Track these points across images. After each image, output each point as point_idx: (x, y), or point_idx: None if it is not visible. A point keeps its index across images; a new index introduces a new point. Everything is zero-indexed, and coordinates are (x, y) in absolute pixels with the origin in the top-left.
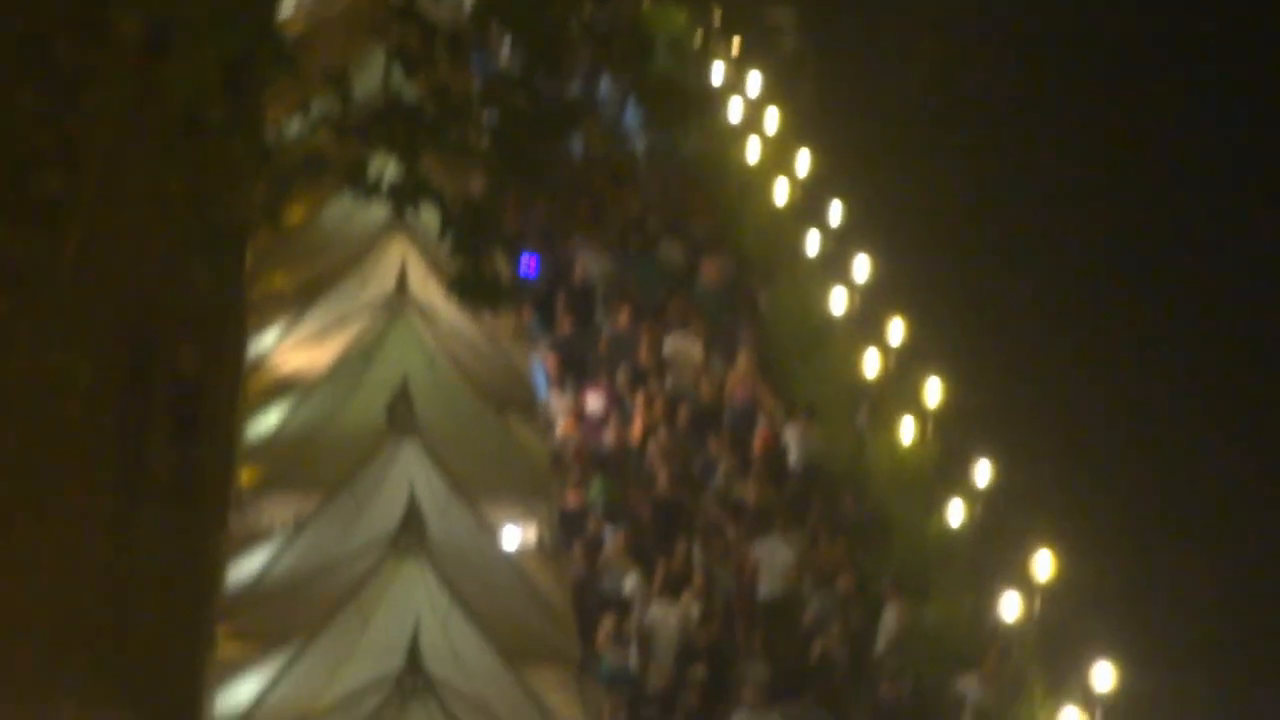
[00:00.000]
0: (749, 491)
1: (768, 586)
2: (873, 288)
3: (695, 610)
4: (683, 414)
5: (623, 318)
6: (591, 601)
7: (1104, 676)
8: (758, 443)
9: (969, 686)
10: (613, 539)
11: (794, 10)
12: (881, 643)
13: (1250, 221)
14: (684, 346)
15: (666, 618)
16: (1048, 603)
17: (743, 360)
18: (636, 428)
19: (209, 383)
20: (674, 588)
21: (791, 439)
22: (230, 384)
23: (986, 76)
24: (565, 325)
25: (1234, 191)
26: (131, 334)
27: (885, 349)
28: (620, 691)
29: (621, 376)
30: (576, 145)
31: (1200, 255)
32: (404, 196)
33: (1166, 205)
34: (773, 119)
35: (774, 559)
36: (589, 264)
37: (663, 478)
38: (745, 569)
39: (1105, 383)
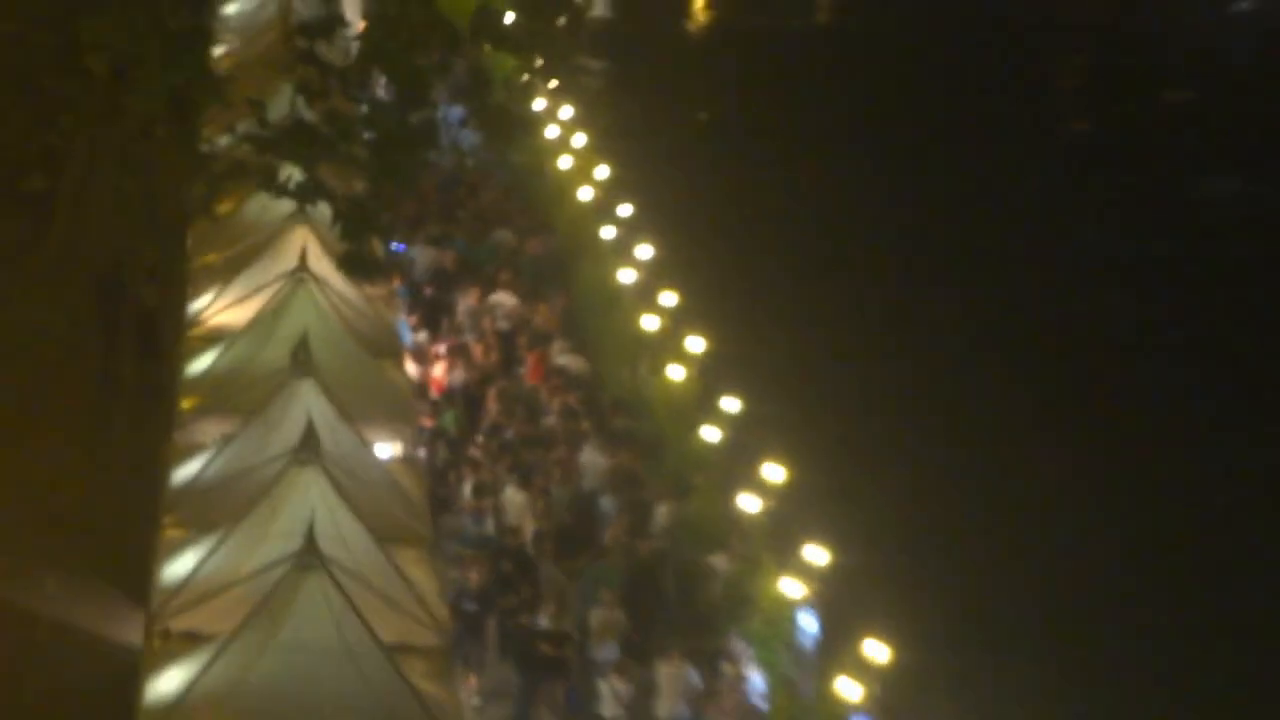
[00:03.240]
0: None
1: (587, 484)
2: (653, 266)
3: (540, 503)
4: (520, 346)
5: (473, 291)
6: (440, 496)
7: (818, 555)
8: (532, 366)
9: (719, 561)
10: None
11: (595, 58)
12: (655, 527)
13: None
14: (508, 299)
15: (515, 496)
16: (777, 501)
17: (543, 309)
18: (482, 366)
19: (162, 326)
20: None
21: (570, 364)
22: (176, 332)
23: (739, 109)
24: (424, 292)
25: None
26: (103, 288)
27: (662, 312)
28: (481, 551)
29: (469, 332)
30: (443, 158)
31: (912, 223)
32: (305, 195)
33: (870, 192)
34: (579, 139)
35: (592, 464)
36: (437, 254)
37: (494, 410)
38: (571, 471)
39: (832, 338)
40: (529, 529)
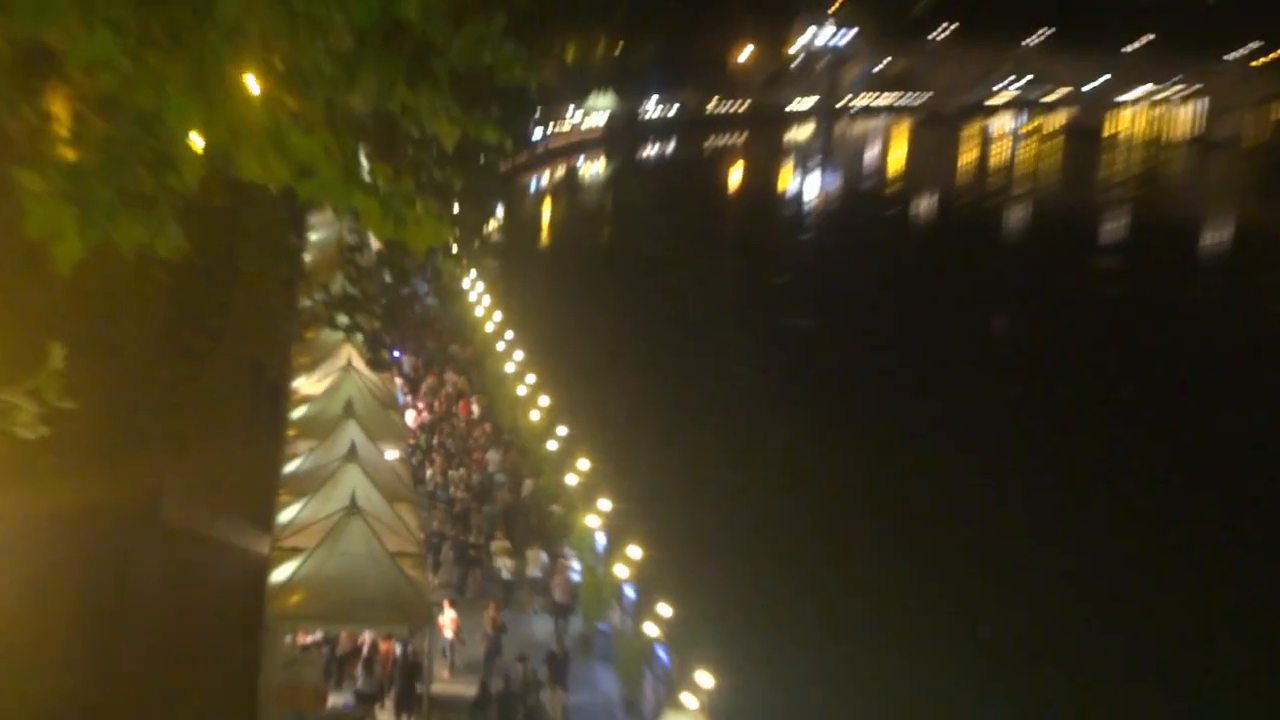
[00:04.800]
0: (480, 436)
1: (490, 469)
2: (523, 363)
3: (471, 478)
4: (458, 401)
5: (433, 375)
6: (419, 477)
7: (606, 505)
8: (461, 409)
9: (556, 508)
10: (431, 461)
11: (494, 259)
12: (524, 493)
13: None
14: (453, 377)
15: (454, 476)
16: (587, 478)
17: (464, 380)
18: (437, 412)
19: (281, 393)
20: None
21: (479, 409)
22: (287, 395)
23: (571, 285)
24: (409, 376)
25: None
26: (251, 372)
27: (527, 385)
28: (444, 505)
29: (430, 395)
30: (418, 310)
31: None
32: (350, 330)
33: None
34: (486, 299)
35: (493, 459)
36: (414, 358)
37: (444, 433)
38: (482, 463)
39: (619, 400)
40: (461, 494)
